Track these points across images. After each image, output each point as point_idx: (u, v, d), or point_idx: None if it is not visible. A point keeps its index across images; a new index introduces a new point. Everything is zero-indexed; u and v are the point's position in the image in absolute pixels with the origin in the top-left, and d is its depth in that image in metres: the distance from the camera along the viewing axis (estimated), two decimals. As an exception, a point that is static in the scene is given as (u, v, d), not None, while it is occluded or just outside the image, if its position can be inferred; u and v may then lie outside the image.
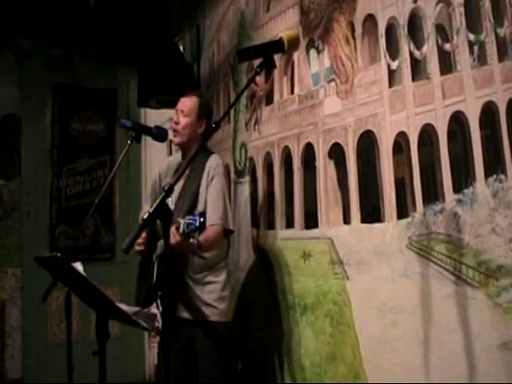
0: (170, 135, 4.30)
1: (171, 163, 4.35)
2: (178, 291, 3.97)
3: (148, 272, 3.93)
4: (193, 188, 4.04)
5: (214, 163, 4.08)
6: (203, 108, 4.22)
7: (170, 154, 6.43)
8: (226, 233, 4.02)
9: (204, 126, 4.15)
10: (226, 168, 5.26)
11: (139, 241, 3.93)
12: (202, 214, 3.44)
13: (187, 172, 4.07)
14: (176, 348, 3.89)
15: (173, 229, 3.41)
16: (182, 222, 3.41)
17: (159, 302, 3.84)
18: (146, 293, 3.88)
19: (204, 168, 4.07)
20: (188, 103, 4.18)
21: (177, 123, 4.13)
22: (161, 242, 3.88)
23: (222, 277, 4.09)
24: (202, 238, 3.68)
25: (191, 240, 3.40)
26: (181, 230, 3.40)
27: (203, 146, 3.86)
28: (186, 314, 4.00)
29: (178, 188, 4.05)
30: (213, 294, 4.02)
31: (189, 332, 4.00)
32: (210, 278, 4.04)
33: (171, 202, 4.03)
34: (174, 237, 3.43)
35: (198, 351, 4.01)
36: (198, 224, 3.34)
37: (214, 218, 3.93)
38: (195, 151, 3.37)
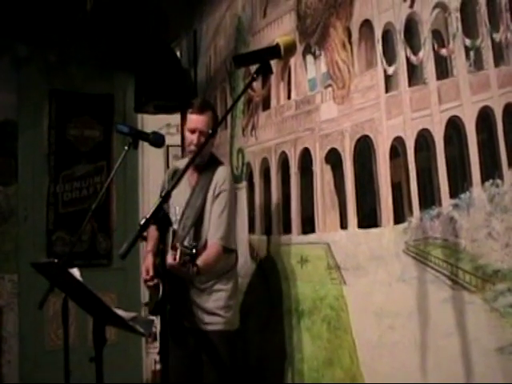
0: (167, 140, 4.29)
1: (179, 168, 4.29)
2: (185, 299, 3.96)
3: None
4: (198, 202, 4.02)
5: (221, 178, 4.05)
6: (216, 119, 4.17)
7: (167, 159, 6.45)
8: (228, 251, 4.02)
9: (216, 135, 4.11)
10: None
11: (147, 277, 3.96)
12: (195, 246, 3.45)
13: (194, 183, 4.06)
14: (182, 354, 3.91)
15: (169, 257, 3.42)
16: (178, 249, 3.42)
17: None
18: (155, 306, 3.90)
19: (211, 181, 4.04)
20: (205, 122, 4.06)
21: (197, 145, 4.02)
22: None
23: (229, 285, 4.08)
24: (200, 260, 3.69)
25: (187, 268, 3.42)
26: (177, 259, 3.41)
27: (200, 153, 3.84)
28: (192, 322, 4.00)
29: (184, 199, 4.04)
30: (219, 302, 4.02)
31: (195, 340, 4.00)
32: (217, 287, 4.03)
33: (178, 213, 4.04)
34: (172, 264, 3.43)
35: (204, 359, 4.00)
36: (190, 256, 3.37)
37: (214, 238, 3.94)
38: (192, 158, 3.36)
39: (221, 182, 4.02)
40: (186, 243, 3.70)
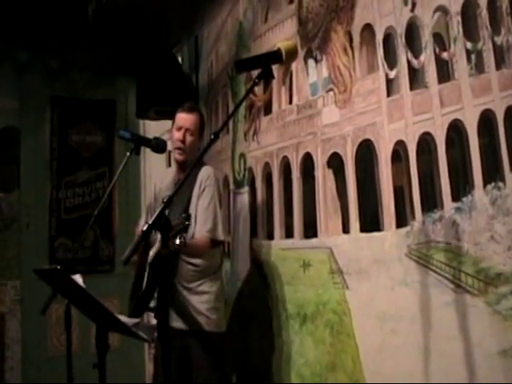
0: (170, 147, 4.30)
1: (167, 176, 4.35)
2: (171, 300, 3.97)
3: (141, 282, 3.93)
4: (184, 199, 4.05)
5: (205, 174, 4.09)
6: (203, 123, 4.24)
7: (169, 165, 6.44)
8: (215, 243, 4.04)
9: (202, 140, 4.17)
10: (225, 179, 5.27)
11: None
12: (188, 218, 3.45)
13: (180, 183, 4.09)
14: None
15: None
16: None
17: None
18: (137, 300, 3.89)
19: (196, 179, 4.08)
20: (192, 121, 4.17)
21: (183, 142, 4.13)
22: (152, 251, 3.90)
23: (215, 287, 4.11)
24: (188, 240, 3.77)
25: (177, 241, 3.41)
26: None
27: (201, 158, 3.86)
28: (179, 324, 4.00)
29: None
30: (206, 304, 4.04)
31: (183, 342, 4.00)
32: (203, 288, 4.05)
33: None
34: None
35: (193, 361, 4.01)
36: (182, 226, 3.36)
37: (201, 231, 3.98)
38: (194, 163, 3.36)
39: (205, 178, 4.08)
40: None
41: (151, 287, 3.82)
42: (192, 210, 4.04)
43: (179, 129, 4.18)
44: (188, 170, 3.86)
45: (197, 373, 4.01)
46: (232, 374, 4.87)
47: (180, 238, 3.38)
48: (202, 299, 4.03)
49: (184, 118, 4.20)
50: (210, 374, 3.99)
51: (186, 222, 3.40)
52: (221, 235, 4.08)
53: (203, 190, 4.05)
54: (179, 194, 4.01)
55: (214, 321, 4.04)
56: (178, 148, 4.15)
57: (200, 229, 3.99)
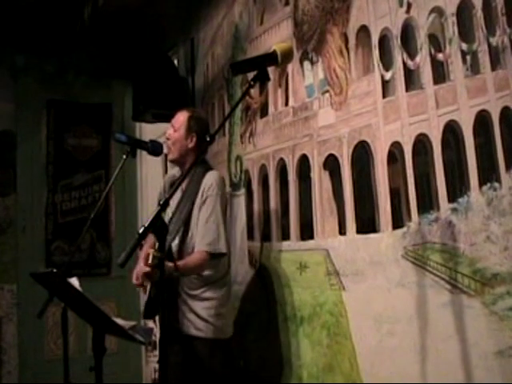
0: (165, 150, 4.31)
1: (174, 176, 4.35)
2: (175, 306, 3.95)
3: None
4: (187, 207, 4.02)
5: (208, 183, 4.02)
6: (193, 122, 4.18)
7: (166, 168, 6.44)
8: (217, 256, 3.98)
9: (194, 141, 4.11)
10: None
11: (136, 282, 3.93)
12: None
13: (184, 187, 4.07)
14: (174, 361, 3.87)
15: (142, 261, 3.52)
16: (150, 252, 3.43)
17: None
18: (145, 305, 3.88)
19: (199, 186, 4.05)
20: (179, 118, 4.17)
21: (168, 138, 4.14)
22: None
23: (220, 293, 4.03)
24: (182, 262, 3.75)
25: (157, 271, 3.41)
26: (150, 262, 3.41)
27: (198, 161, 3.84)
28: (183, 329, 3.97)
29: (174, 204, 4.05)
30: (210, 310, 3.97)
31: (187, 347, 3.97)
32: (207, 294, 3.99)
33: (169, 215, 4.05)
34: (142, 267, 3.53)
35: (197, 367, 3.98)
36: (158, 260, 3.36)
37: (200, 245, 3.92)
38: (190, 166, 3.34)
39: (207, 188, 4.00)
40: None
41: (155, 296, 3.81)
42: (193, 221, 4.01)
43: (170, 127, 4.22)
44: (184, 173, 3.84)
45: (201, 379, 3.98)
46: (236, 379, 4.85)
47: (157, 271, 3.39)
48: (205, 305, 3.98)
49: (174, 117, 4.23)
50: (214, 380, 3.96)
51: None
52: (222, 248, 3.97)
53: (204, 200, 3.98)
54: (182, 201, 4.05)
55: (218, 327, 3.98)
56: (167, 145, 4.18)
57: (199, 243, 3.94)
